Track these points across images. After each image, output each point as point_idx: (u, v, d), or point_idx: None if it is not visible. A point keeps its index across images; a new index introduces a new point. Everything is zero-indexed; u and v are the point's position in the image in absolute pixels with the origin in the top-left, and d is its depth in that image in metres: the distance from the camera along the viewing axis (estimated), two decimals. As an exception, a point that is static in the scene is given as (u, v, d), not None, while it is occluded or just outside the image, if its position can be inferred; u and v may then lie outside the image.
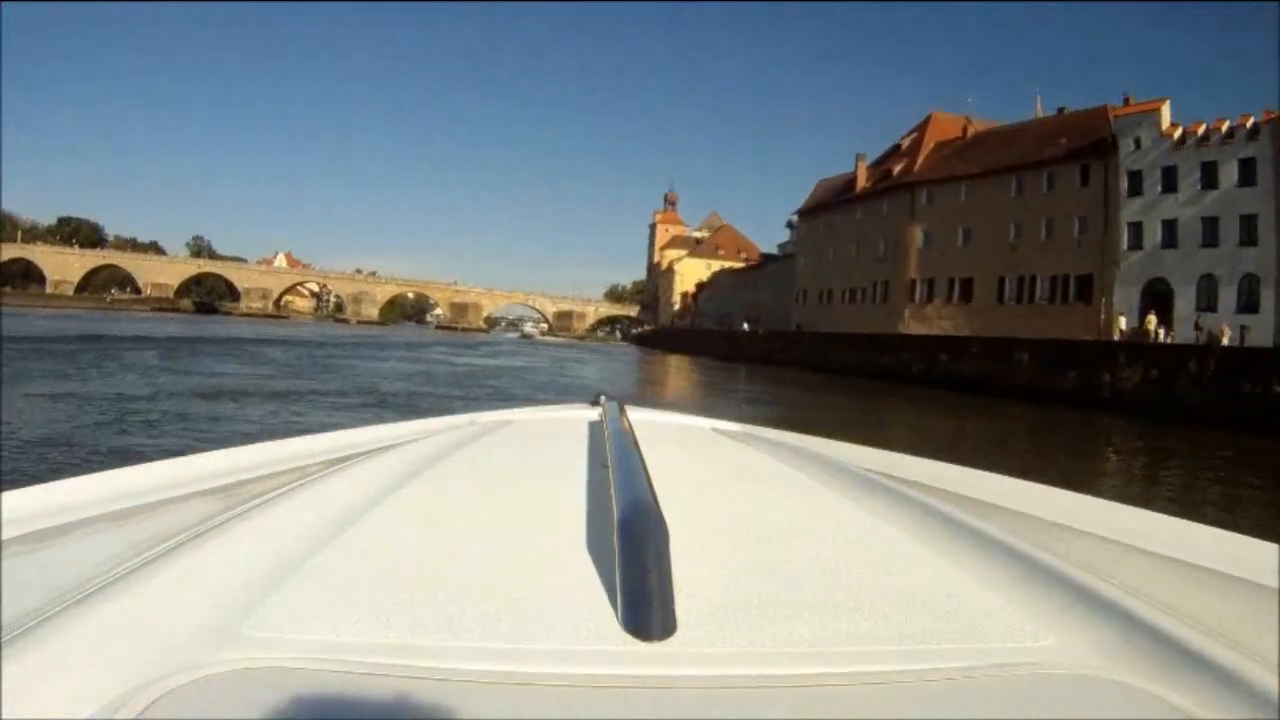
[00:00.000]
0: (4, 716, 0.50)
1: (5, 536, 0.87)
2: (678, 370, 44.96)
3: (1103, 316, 36.53)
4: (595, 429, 1.47)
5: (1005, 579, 0.81)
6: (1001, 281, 42.79)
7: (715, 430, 1.86)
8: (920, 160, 50.68)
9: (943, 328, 43.68)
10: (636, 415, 1.63)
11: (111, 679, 0.55)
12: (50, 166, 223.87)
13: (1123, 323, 35.06)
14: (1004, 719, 0.58)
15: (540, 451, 1.49)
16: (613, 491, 0.86)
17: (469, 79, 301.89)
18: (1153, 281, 35.94)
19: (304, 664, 0.59)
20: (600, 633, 0.65)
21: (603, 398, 1.81)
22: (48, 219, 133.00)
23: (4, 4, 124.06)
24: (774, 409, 23.61)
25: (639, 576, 0.67)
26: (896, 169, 52.21)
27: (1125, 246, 37.17)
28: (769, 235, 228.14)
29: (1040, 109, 49.86)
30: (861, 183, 56.23)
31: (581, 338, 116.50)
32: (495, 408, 2.15)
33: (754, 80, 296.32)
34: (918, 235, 48.36)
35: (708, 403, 24.03)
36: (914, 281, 48.20)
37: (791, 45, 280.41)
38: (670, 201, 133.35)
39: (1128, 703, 0.60)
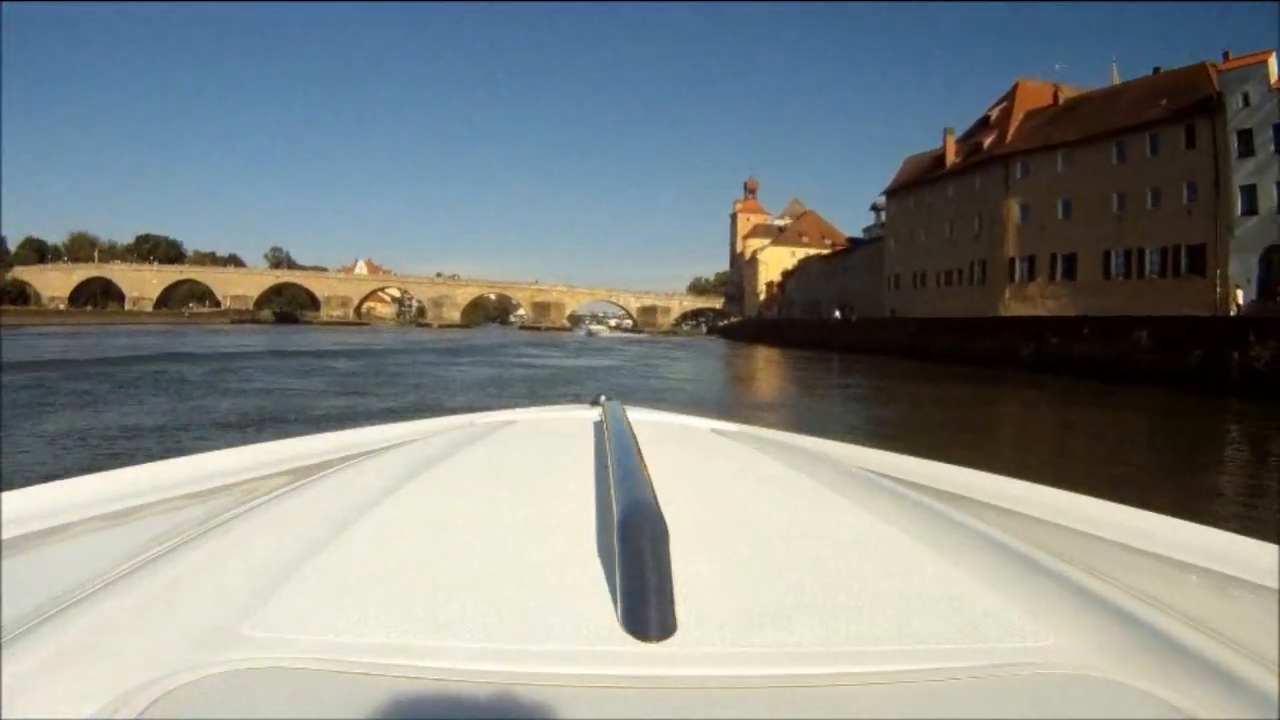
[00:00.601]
0: (4, 716, 0.50)
1: (5, 536, 0.87)
2: (767, 364, 43.41)
3: (1218, 289, 33.83)
4: (595, 429, 1.48)
5: (1005, 579, 0.82)
6: (1107, 255, 40.13)
7: (715, 430, 1.84)
8: (1011, 131, 48.06)
9: (1047, 308, 41.40)
10: (636, 415, 1.63)
11: (111, 679, 0.56)
12: (130, 186, 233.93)
13: (1240, 295, 32.47)
14: (1004, 719, 0.58)
15: (540, 452, 1.47)
16: (613, 492, 0.86)
17: (544, 78, 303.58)
18: (1270, 250, 33.05)
19: (304, 664, 0.59)
20: (600, 633, 0.65)
21: (603, 398, 1.82)
22: (126, 238, 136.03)
23: (4, 4, 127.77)
24: (875, 408, 22.05)
25: (639, 577, 0.67)
26: (987, 141, 49.67)
27: (1239, 212, 34.33)
28: (853, 220, 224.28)
29: (1116, 77, 47.04)
30: (951, 158, 53.63)
31: (666, 333, 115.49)
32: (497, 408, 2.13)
33: (830, 61, 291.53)
34: (1014, 210, 45.82)
35: (804, 404, 22.72)
36: (1013, 260, 45.69)
37: (867, 23, 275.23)
38: (750, 189, 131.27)
39: (1128, 703, 0.60)
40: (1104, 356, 30.88)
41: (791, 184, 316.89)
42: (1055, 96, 47.84)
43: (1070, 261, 42.28)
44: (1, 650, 0.57)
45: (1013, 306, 44.25)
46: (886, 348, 45.83)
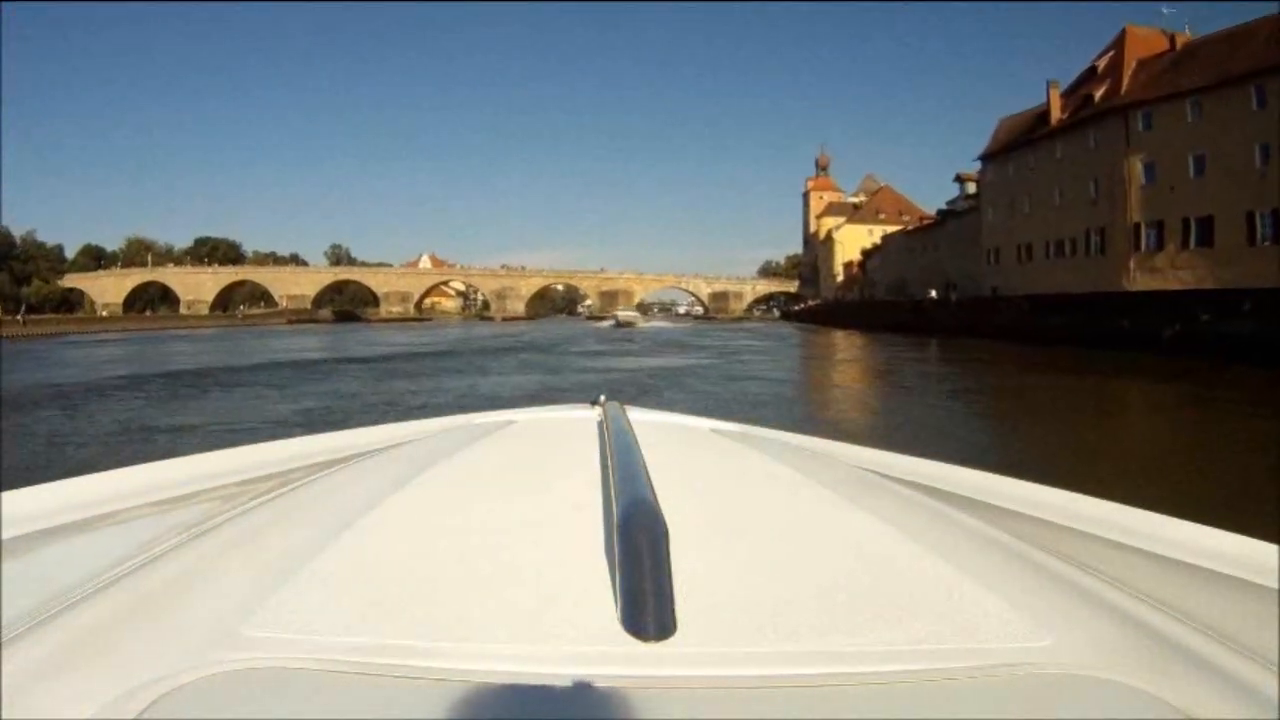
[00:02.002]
0: (4, 716, 0.51)
1: (5, 536, 0.88)
2: (856, 356, 38.20)
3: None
4: (595, 429, 1.48)
5: (1005, 579, 0.82)
6: (1251, 218, 34.24)
7: (715, 430, 1.84)
8: (1126, 81, 42.25)
9: (1179, 280, 35.95)
10: (636, 415, 1.66)
11: (111, 679, 0.56)
12: (191, 191, 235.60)
13: None
14: (1004, 719, 0.58)
15: (540, 452, 1.48)
16: (612, 492, 0.87)
17: (605, 61, 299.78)
18: None
19: (304, 664, 0.59)
20: (600, 633, 0.66)
21: (603, 397, 1.84)
22: (187, 242, 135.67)
23: (4, 4, 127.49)
24: (1019, 423, 17.10)
25: (639, 577, 0.67)
26: (1099, 93, 43.86)
27: None
28: (932, 195, 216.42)
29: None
30: (1056, 115, 47.42)
31: (738, 319, 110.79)
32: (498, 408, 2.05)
33: (899, 30, 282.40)
34: (1138, 169, 39.95)
35: (916, 416, 17.60)
36: (1138, 226, 39.80)
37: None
38: (822, 166, 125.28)
39: (1128, 703, 0.60)
40: (1271, 335, 25.66)
41: (864, 161, 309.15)
42: (1172, 41, 41.79)
43: (1205, 225, 36.39)
44: (1, 650, 0.58)
45: (1139, 280, 38.71)
46: (992, 330, 40.93)
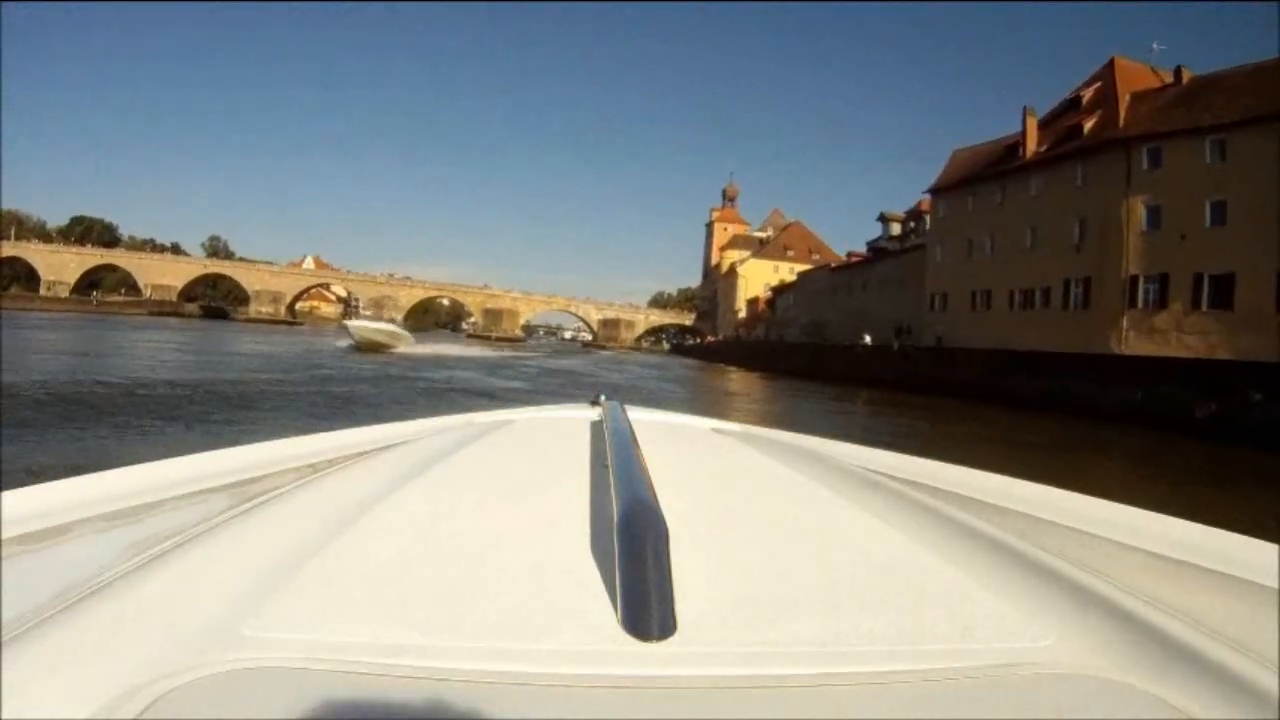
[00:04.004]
0: (4, 716, 0.51)
1: (5, 536, 0.88)
2: (768, 403, 30.36)
3: None
4: (595, 429, 1.49)
5: (1005, 579, 0.83)
6: (1282, 278, 27.73)
7: (715, 430, 1.85)
8: (1123, 114, 36.02)
9: (1188, 346, 29.35)
10: (636, 415, 1.65)
11: (111, 679, 0.56)
12: (71, 167, 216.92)
13: None
14: (1004, 719, 0.59)
15: (540, 451, 1.49)
16: (613, 491, 0.87)
17: (502, 75, 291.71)
18: None
19: (304, 664, 0.60)
20: (600, 633, 0.66)
21: (603, 397, 1.85)
22: (61, 220, 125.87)
23: (3, 4, 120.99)
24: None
25: (639, 576, 0.67)
26: (1088, 125, 37.49)
27: None
28: (841, 238, 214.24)
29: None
30: (1032, 147, 40.86)
31: (629, 349, 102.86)
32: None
33: (818, 63, 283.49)
34: (1139, 212, 33.26)
35: None
36: (1134, 278, 33.12)
37: (860, 23, 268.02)
38: (729, 197, 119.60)
39: (1128, 703, 0.61)
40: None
41: (770, 197, 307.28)
42: (1178, 75, 35.61)
43: (1223, 284, 29.88)
44: (1, 650, 0.58)
45: (1132, 341, 31.94)
46: (939, 387, 33.61)
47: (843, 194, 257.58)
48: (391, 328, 47.53)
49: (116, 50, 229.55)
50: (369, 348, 41.19)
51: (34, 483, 1.07)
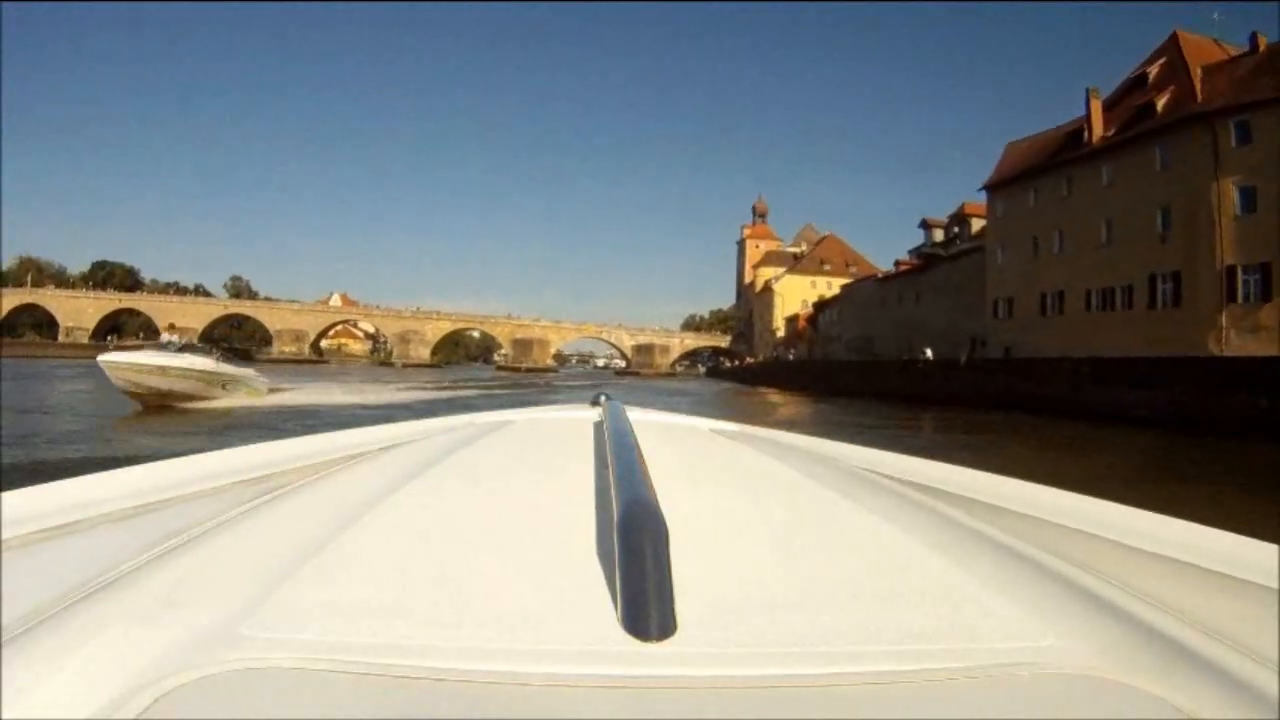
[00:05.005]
0: (4, 716, 0.51)
1: (5, 536, 0.88)
2: (836, 430, 26.77)
3: None
4: (595, 429, 1.48)
5: (1005, 579, 0.83)
6: None
7: (715, 430, 1.84)
8: (1198, 88, 32.34)
9: (1301, 343, 25.31)
10: (636, 415, 1.64)
11: (112, 679, 0.56)
12: (93, 214, 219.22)
13: None
14: (1004, 719, 0.59)
15: (540, 452, 1.49)
16: (612, 491, 0.86)
17: (524, 98, 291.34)
18: None
19: (304, 664, 0.60)
20: (600, 633, 0.66)
21: (602, 397, 1.84)
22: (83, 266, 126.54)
23: (3, 4, 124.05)
24: None
25: (639, 577, 0.67)
26: (1161, 102, 33.87)
27: None
28: (878, 249, 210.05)
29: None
30: (1099, 131, 37.10)
31: (665, 374, 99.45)
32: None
33: (834, 73, 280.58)
34: (1231, 195, 29.59)
35: None
36: (1232, 270, 29.39)
37: (886, 30, 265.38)
38: (760, 213, 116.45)
39: (1128, 703, 0.61)
40: None
41: (801, 212, 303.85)
42: (1254, 42, 31.88)
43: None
44: (1, 650, 0.58)
45: (1233, 341, 28.22)
46: (1024, 402, 30.07)
47: (875, 204, 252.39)
48: (205, 363, 25.64)
49: (135, 87, 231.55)
50: (155, 401, 23.42)
51: (33, 483, 1.08)
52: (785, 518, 1.05)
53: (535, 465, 1.36)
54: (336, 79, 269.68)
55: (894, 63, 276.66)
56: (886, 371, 45.92)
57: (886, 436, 22.10)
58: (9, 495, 1.00)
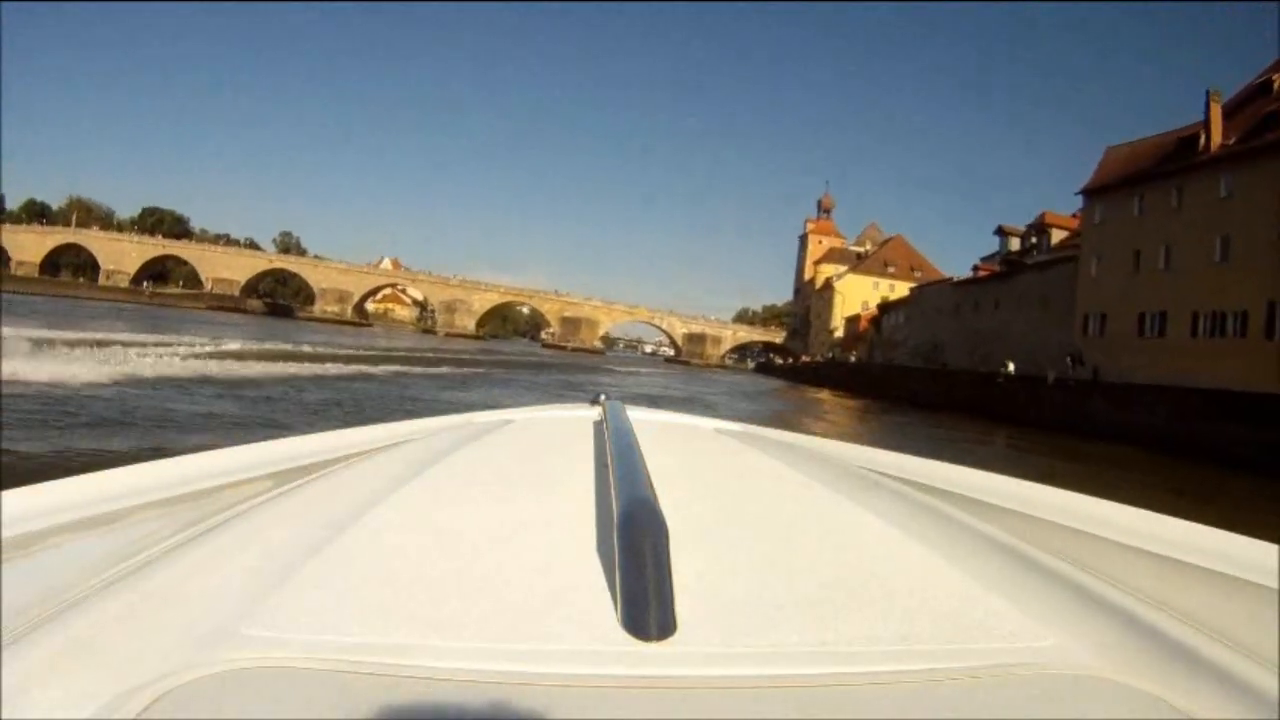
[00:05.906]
0: (4, 716, 0.51)
1: (5, 536, 0.88)
2: (921, 445, 24.23)
3: None
4: (595, 429, 1.50)
5: (1005, 579, 0.83)
6: None
7: (716, 430, 1.85)
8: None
9: None
10: (637, 415, 1.64)
11: (111, 679, 0.56)
12: (148, 159, 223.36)
13: None
14: (1004, 719, 0.59)
15: (540, 451, 1.49)
16: (613, 491, 0.87)
17: (591, 82, 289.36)
18: None
19: (304, 664, 0.60)
20: (600, 633, 0.66)
21: (603, 397, 1.84)
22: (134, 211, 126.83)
23: (3, 4, 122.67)
24: None
25: (639, 576, 0.67)
26: (1293, 111, 30.31)
27: None
28: (945, 255, 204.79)
29: None
30: (1218, 138, 33.58)
31: (714, 366, 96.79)
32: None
33: (911, 71, 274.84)
34: (1376, 217, 26.14)
35: None
36: (1370, 300, 26.02)
37: (963, 28, 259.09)
38: (825, 208, 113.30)
39: (1128, 703, 0.61)
40: None
41: (866, 210, 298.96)
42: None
43: None
44: (1, 650, 0.58)
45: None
46: (1120, 433, 27.38)
47: (946, 207, 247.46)
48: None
49: (202, 51, 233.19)
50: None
51: (33, 483, 1.07)
52: (785, 518, 1.05)
53: (535, 464, 1.35)
54: (417, 47, 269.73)
55: (973, 67, 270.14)
56: (959, 383, 42.81)
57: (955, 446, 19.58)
58: (8, 495, 0.98)
